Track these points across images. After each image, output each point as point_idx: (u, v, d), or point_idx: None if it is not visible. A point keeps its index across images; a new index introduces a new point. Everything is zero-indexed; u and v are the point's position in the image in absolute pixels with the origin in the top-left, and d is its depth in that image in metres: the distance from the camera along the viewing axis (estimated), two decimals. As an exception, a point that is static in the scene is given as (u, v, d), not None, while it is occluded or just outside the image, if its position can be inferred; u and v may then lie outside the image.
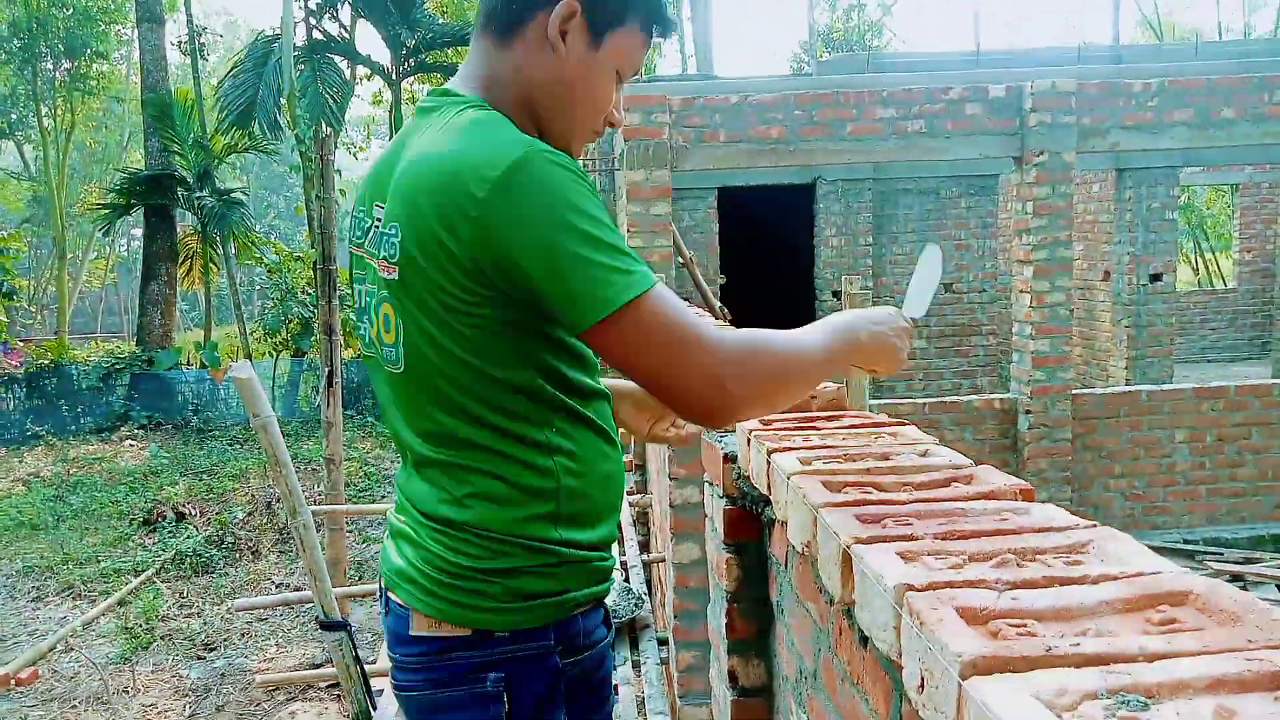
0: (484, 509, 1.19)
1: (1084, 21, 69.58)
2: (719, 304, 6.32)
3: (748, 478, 1.84)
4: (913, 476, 1.24)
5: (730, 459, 2.01)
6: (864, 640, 1.18)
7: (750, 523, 1.99)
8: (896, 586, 0.82)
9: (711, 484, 2.18)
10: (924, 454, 1.38)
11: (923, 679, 0.75)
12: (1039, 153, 6.25)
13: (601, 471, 1.27)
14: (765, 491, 1.51)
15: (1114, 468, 6.72)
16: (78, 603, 7.78)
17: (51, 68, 21.47)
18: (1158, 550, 6.00)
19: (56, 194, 20.32)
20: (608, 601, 1.44)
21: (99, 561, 8.55)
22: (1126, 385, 8.78)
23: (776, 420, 1.70)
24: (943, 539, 0.96)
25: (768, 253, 11.04)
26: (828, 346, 1.23)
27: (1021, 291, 6.55)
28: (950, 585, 0.81)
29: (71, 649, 6.78)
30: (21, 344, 16.87)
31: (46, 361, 15.63)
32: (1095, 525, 0.98)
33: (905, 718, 1.02)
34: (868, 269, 8.96)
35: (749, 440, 1.65)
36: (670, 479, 3.19)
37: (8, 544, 9.17)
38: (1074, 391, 6.55)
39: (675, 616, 3.26)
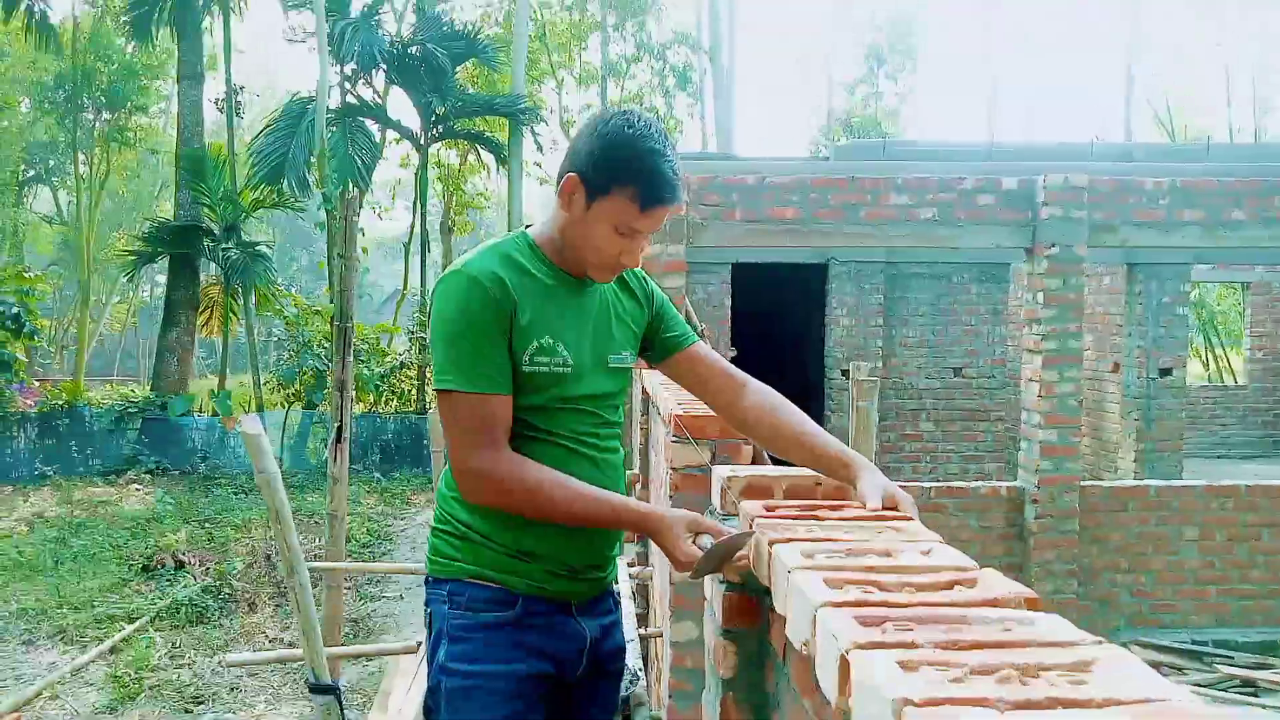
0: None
1: (1097, 116, 70.92)
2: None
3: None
4: (915, 577, 1.25)
5: (733, 544, 2.01)
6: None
7: (750, 610, 1.98)
8: (895, 700, 0.83)
9: (714, 568, 2.18)
10: (927, 552, 1.39)
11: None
12: (1050, 245, 6.33)
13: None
14: (766, 582, 1.52)
15: (1121, 562, 6.64)
16: (69, 648, 7.69)
17: (92, 118, 22.12)
18: (1165, 650, 5.86)
19: (86, 239, 20.71)
20: None
21: (94, 607, 8.48)
22: (1135, 479, 8.71)
23: (780, 507, 1.72)
24: (945, 648, 0.97)
25: (779, 329, 11.12)
26: (618, 519, 1.69)
27: (1030, 380, 6.56)
28: (950, 702, 0.82)
29: (57, 696, 6.69)
30: (38, 383, 17.02)
31: (61, 402, 15.75)
32: (1102, 642, 0.99)
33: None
34: (878, 351, 9.01)
35: (751, 527, 1.66)
36: (672, 556, 3.18)
37: (4, 584, 9.12)
38: (1082, 483, 6.51)
39: (670, 696, 3.21)
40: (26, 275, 15.91)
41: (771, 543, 1.46)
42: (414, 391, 17.54)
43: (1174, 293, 8.83)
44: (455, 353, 1.57)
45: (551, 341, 1.62)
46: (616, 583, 1.96)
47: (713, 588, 2.18)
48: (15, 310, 14.94)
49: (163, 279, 22.37)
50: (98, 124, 22.33)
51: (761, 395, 1.86)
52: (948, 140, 14.94)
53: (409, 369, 17.63)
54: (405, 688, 5.54)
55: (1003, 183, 6.49)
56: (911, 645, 0.99)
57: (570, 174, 1.61)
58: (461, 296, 1.57)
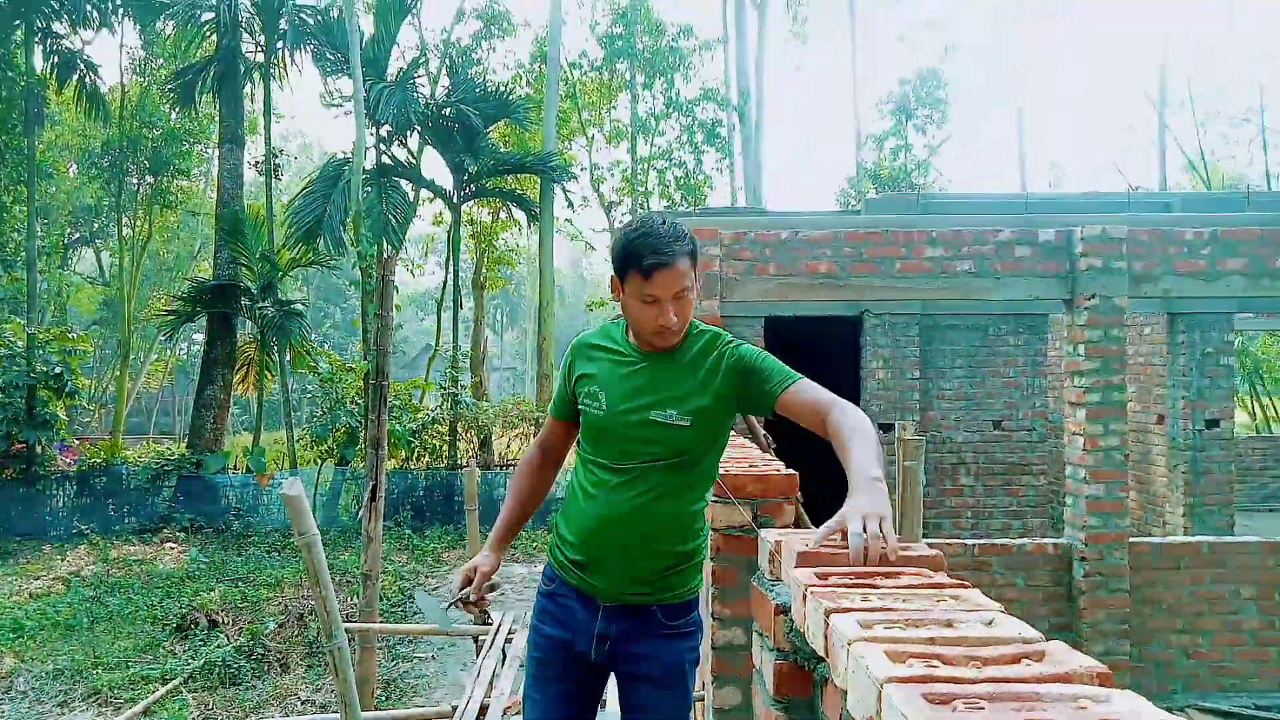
0: None
1: (1128, 161, 70.64)
2: (763, 431, 6.29)
3: (801, 633, 1.78)
4: (979, 650, 1.20)
5: (782, 610, 1.96)
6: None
7: (801, 678, 1.92)
8: (974, 788, 0.78)
9: (761, 634, 2.12)
10: (990, 623, 1.33)
11: None
12: (1090, 296, 6.25)
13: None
14: (821, 652, 1.46)
15: (1175, 623, 6.40)
16: (103, 710, 7.67)
17: (136, 182, 22.80)
18: (1226, 715, 5.60)
19: (127, 300, 21.19)
20: None
21: (129, 667, 8.47)
22: (1185, 534, 8.45)
23: (833, 574, 1.67)
24: (1019, 729, 0.92)
25: (818, 381, 11.02)
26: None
27: (1074, 434, 6.43)
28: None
29: (91, 760, 6.65)
30: (77, 442, 17.29)
31: (99, 460, 15.98)
32: (1182, 723, 0.93)
33: None
34: (914, 404, 8.88)
35: (804, 596, 1.61)
36: (714, 618, 3.11)
37: (42, 643, 9.15)
38: (1131, 539, 6.32)
39: (714, 766, 3.11)
40: (69, 336, 16.26)
41: (828, 613, 1.41)
42: (445, 447, 17.59)
43: (1218, 343, 8.65)
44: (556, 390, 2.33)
45: (596, 390, 2.15)
46: (679, 618, 2.20)
47: (761, 655, 2.11)
48: (58, 370, 15.27)
49: (200, 337, 22.80)
50: (141, 187, 23.02)
51: (836, 417, 2.01)
52: (981, 192, 14.92)
53: (440, 424, 17.70)
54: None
55: (1040, 234, 6.44)
56: (986, 726, 0.94)
57: (611, 276, 2.14)
58: (569, 352, 2.30)
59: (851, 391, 9.56)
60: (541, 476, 2.38)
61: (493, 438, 18.86)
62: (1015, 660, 1.17)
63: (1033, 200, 9.83)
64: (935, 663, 1.16)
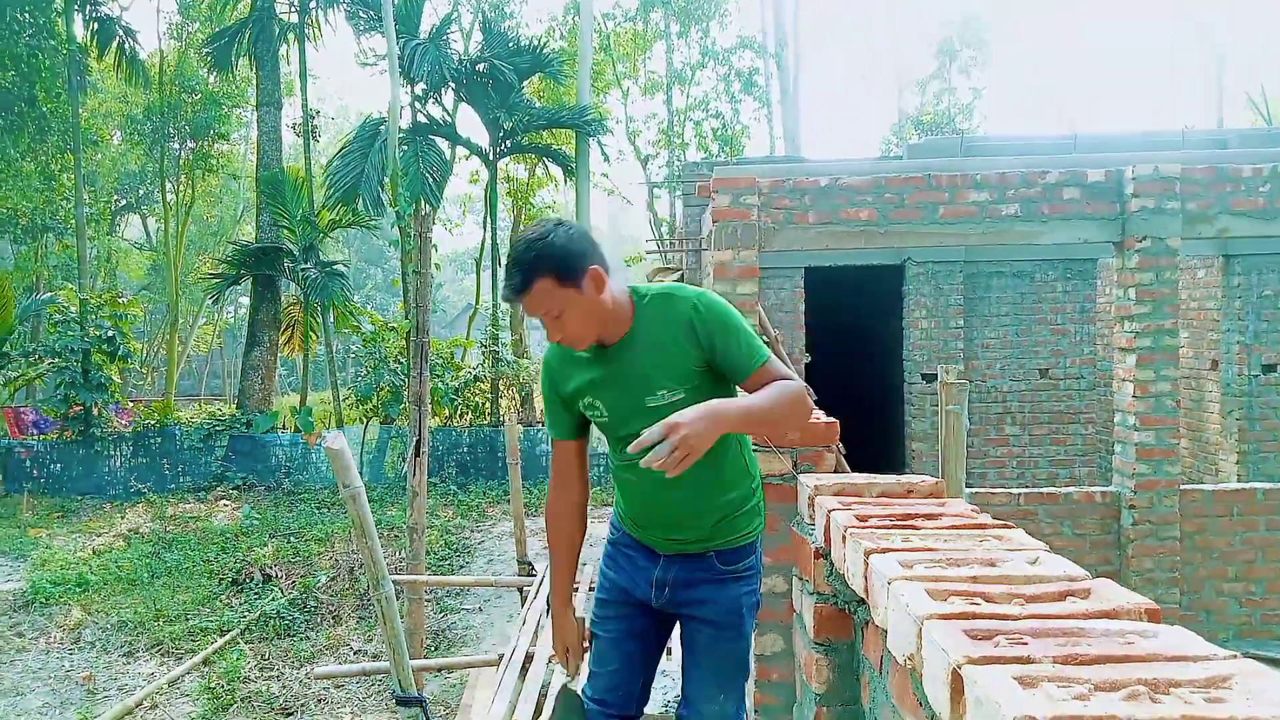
0: None
1: (1185, 104, 68.04)
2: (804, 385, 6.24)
3: (841, 575, 1.77)
4: (1023, 588, 1.17)
5: (821, 554, 1.95)
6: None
7: (841, 621, 1.91)
8: (1018, 718, 0.76)
9: (801, 578, 2.10)
10: (1034, 561, 1.30)
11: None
12: (1141, 238, 6.06)
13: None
14: (861, 593, 1.45)
15: (1227, 570, 6.28)
16: (165, 660, 7.96)
17: (178, 147, 23.07)
18: (1277, 664, 5.52)
19: (173, 264, 21.55)
20: None
21: (187, 619, 8.77)
22: (1238, 482, 8.27)
23: (873, 517, 1.64)
24: (1063, 663, 0.89)
25: (855, 333, 10.91)
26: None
27: (1124, 380, 6.28)
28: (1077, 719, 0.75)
29: (156, 705, 6.92)
30: (132, 404, 17.75)
31: (153, 422, 16.39)
32: (1236, 656, 0.90)
33: None
34: (959, 353, 8.73)
35: (844, 538, 1.59)
36: (754, 566, 3.09)
37: (106, 597, 9.49)
38: (1182, 487, 6.19)
39: (755, 711, 3.13)
40: (120, 301, 16.61)
41: (868, 553, 1.39)
42: (487, 405, 17.75)
43: (1275, 285, 8.37)
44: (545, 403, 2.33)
45: (591, 399, 2.16)
46: (735, 562, 2.19)
47: (802, 599, 2.10)
48: (110, 334, 15.63)
49: (245, 300, 23.16)
50: (183, 152, 23.28)
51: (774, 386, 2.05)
52: (1026, 134, 14.50)
53: (482, 382, 17.84)
54: (487, 701, 5.56)
55: (1089, 175, 6.24)
56: (1027, 660, 0.92)
57: None
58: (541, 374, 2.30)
59: (894, 342, 9.43)
60: (574, 523, 2.34)
61: (534, 395, 18.99)
62: (1060, 598, 1.14)
63: (1081, 140, 9.52)
64: (978, 600, 1.14)
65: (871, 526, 1.57)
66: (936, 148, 9.42)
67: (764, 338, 6.51)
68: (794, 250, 6.43)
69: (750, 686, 3.34)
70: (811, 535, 1.99)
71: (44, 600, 9.39)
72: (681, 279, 8.65)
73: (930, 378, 8.56)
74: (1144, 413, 6.12)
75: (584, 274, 1.96)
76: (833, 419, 3.27)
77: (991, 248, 8.22)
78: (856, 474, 2.16)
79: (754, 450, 3.21)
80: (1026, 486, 8.26)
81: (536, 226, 2.03)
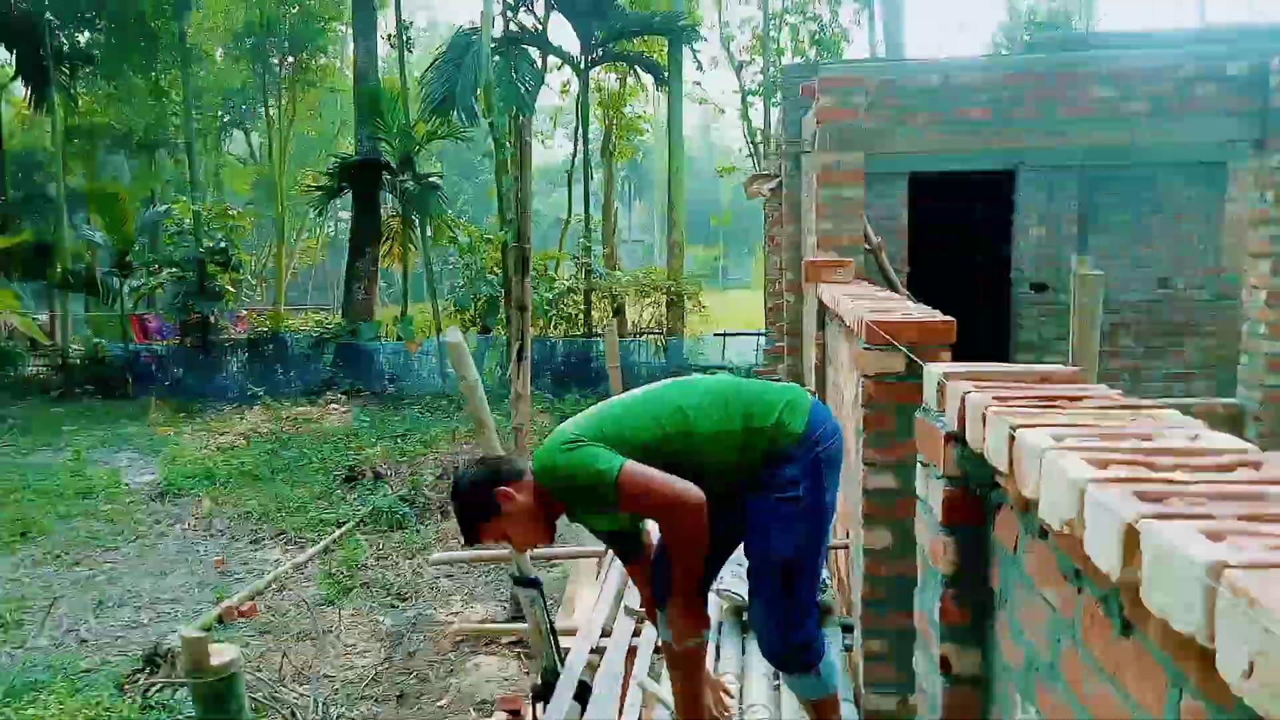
0: None
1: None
2: (906, 292, 6.10)
3: (973, 458, 1.76)
4: (1189, 459, 1.15)
5: (953, 438, 1.93)
6: (1125, 629, 1.11)
7: (971, 505, 1.90)
8: (1211, 564, 0.76)
9: (928, 465, 2.10)
10: (1194, 437, 1.27)
11: (1252, 664, 0.69)
12: (1285, 135, 5.63)
13: None
14: (1005, 469, 1.44)
15: (1358, 489, 5.99)
16: (288, 548, 8.53)
17: (278, 63, 23.47)
18: None
19: (278, 178, 22.17)
20: None
21: (307, 512, 9.34)
22: (1375, 399, 7.79)
23: (1012, 399, 1.62)
24: (1248, 520, 0.88)
25: (960, 244, 10.55)
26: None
27: (1255, 287, 5.93)
28: (1276, 565, 0.74)
29: (284, 588, 7.45)
30: (245, 313, 18.62)
31: (266, 330, 17.20)
32: None
33: (1185, 713, 0.95)
34: (1071, 261, 8.35)
35: (983, 417, 1.58)
36: (865, 464, 3.11)
37: (231, 490, 10.17)
38: (1314, 401, 5.88)
39: (864, 603, 3.18)
40: (230, 213, 17.28)
41: (1014, 429, 1.38)
42: (580, 316, 17.97)
43: None
44: None
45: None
46: (771, 477, 2.38)
47: (929, 485, 2.10)
48: (223, 245, 16.34)
49: (346, 215, 23.77)
50: (283, 68, 23.69)
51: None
52: (1153, 28, 13.50)
53: (575, 294, 18.04)
54: (592, 595, 5.79)
55: (1227, 67, 5.79)
56: (1209, 517, 0.91)
57: None
58: None
59: (998, 254, 9.10)
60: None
61: (625, 307, 19.11)
62: (1230, 468, 1.12)
63: (1210, 33, 8.81)
64: (1140, 469, 1.12)
65: (1012, 405, 1.55)
66: (1054, 45, 8.86)
67: (866, 245, 6.37)
68: (902, 153, 6.22)
69: (858, 582, 3.40)
70: (941, 422, 1.97)
71: (177, 492, 10.12)
72: (779, 188, 8.48)
73: (1039, 287, 8.25)
74: (1275, 321, 5.79)
75: (496, 502, 2.29)
76: (950, 317, 3.21)
77: (1112, 149, 7.76)
78: (985, 363, 2.13)
79: (865, 349, 3.19)
80: (1142, 400, 7.97)
81: (450, 488, 2.50)
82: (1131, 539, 0.92)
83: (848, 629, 3.55)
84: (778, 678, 3.29)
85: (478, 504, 2.32)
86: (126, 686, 5.57)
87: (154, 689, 5.60)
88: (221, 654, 1.41)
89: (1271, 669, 0.66)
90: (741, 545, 2.58)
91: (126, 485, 10.46)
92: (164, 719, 5.16)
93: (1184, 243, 8.48)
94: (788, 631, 2.32)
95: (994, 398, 1.64)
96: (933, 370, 2.19)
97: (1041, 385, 1.88)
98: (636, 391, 2.48)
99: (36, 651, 6.30)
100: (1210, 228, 8.48)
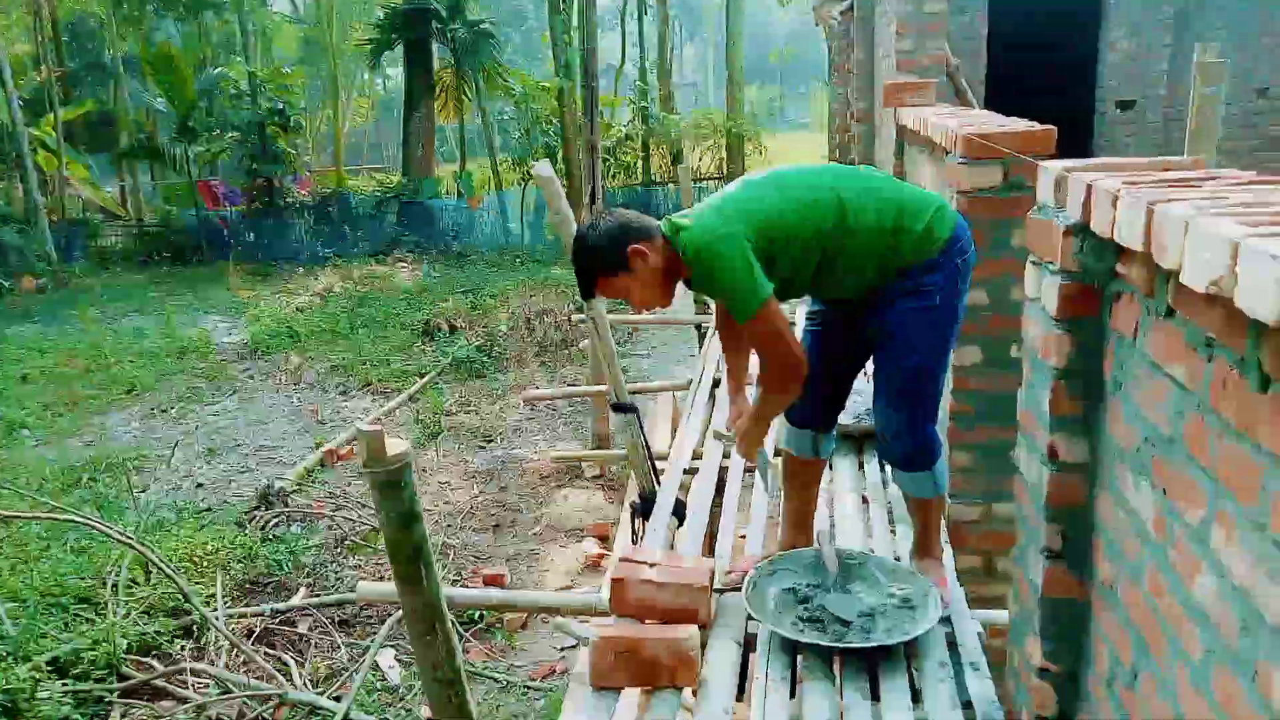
0: None
1: None
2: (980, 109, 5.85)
3: (1094, 249, 1.77)
4: (1340, 218, 1.15)
5: (1071, 232, 1.93)
6: (1264, 384, 1.15)
7: (1088, 297, 1.92)
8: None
9: (1042, 262, 2.11)
10: (1340, 202, 1.26)
11: None
12: None
13: None
14: (1141, 247, 1.45)
15: None
16: (376, 397, 8.93)
17: (314, -92, 22.52)
18: None
19: (327, 33, 21.75)
20: None
21: (389, 364, 9.70)
22: None
23: (1142, 184, 1.61)
24: None
25: (1042, 62, 9.98)
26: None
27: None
28: None
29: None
30: (308, 175, 18.74)
31: (329, 191, 17.33)
32: None
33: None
34: (1161, 76, 7.88)
35: (1114, 201, 1.57)
36: (956, 282, 3.10)
37: (316, 346, 10.58)
38: None
39: (952, 417, 3.26)
40: (284, 73, 17.11)
41: (1151, 204, 1.38)
42: (639, 164, 17.68)
43: None
44: None
45: None
46: (907, 280, 2.36)
47: (1042, 283, 2.12)
48: (281, 107, 16.27)
49: (394, 72, 23.31)
50: (321, -85, 22.76)
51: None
52: None
53: (633, 140, 17.69)
54: (666, 428, 6.01)
55: None
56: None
57: None
58: None
59: (1086, 69, 8.59)
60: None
61: (684, 152, 18.73)
62: (1385, 223, 1.12)
63: None
64: (1289, 228, 1.13)
65: (1144, 189, 1.54)
66: None
67: (948, 67, 6.10)
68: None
69: (946, 394, 3.47)
70: (1060, 217, 1.97)
71: (265, 350, 10.57)
72: (851, 7, 8.06)
73: (1126, 104, 7.84)
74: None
75: (628, 258, 2.20)
76: (1050, 126, 3.11)
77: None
78: (1101, 157, 2.09)
79: (961, 163, 3.12)
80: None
81: (576, 236, 2.33)
82: (1294, 279, 0.94)
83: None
84: (862, 488, 3.42)
85: (608, 257, 2.23)
86: (245, 523, 6.04)
87: (271, 524, 6.07)
88: (395, 446, 1.54)
89: None
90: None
91: (217, 345, 10.95)
92: (281, 549, 5.60)
93: (1286, 50, 7.91)
94: (917, 427, 2.41)
95: (1123, 182, 1.63)
96: (1052, 166, 2.16)
97: (1165, 173, 1.86)
98: (788, 172, 2.39)
99: (160, 496, 6.82)
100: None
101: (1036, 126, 3.07)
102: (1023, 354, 2.22)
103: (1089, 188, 1.74)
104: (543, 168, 3.19)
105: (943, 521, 2.90)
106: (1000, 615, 2.60)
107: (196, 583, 5.02)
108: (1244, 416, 1.19)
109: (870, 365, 2.62)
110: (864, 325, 2.44)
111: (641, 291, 2.28)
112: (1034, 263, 2.19)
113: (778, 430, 2.75)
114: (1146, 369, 1.56)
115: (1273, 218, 1.18)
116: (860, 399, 3.48)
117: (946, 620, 2.49)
